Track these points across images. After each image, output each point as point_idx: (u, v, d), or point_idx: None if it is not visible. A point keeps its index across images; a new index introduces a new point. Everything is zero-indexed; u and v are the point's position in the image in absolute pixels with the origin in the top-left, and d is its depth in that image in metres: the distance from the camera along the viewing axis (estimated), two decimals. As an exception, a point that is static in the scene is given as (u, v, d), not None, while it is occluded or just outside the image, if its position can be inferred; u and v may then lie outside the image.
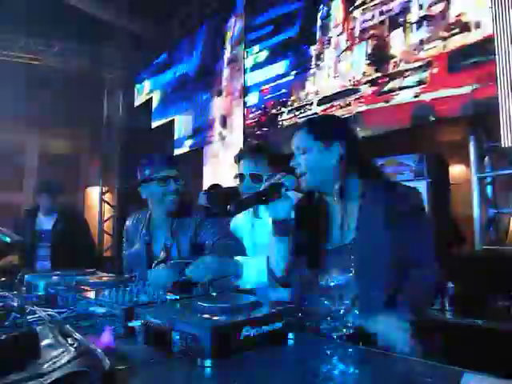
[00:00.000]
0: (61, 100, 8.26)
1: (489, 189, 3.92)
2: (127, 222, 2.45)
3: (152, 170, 2.16)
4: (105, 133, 9.64)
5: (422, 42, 4.00)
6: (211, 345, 1.04)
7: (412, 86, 4.05)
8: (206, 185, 6.14)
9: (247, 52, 6.35)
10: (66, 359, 0.88)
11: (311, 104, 5.21)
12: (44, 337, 0.99)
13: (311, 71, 5.26)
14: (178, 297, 1.47)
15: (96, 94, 9.44)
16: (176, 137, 8.00)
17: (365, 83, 4.54)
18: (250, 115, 6.18)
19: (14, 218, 4.30)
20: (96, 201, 9.65)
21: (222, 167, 6.56)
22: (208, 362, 1.04)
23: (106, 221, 9.53)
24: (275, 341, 1.20)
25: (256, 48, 6.19)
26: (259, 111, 6.03)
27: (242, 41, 6.51)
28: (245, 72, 6.37)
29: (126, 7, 7.64)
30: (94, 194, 9.90)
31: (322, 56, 5.13)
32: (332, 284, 1.55)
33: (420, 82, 3.98)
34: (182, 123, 7.88)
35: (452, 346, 1.52)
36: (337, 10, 4.97)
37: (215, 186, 4.24)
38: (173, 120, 8.13)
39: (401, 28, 4.21)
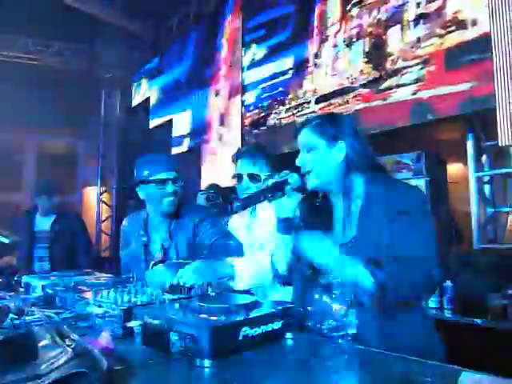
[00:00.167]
0: (59, 100, 8.25)
1: (487, 187, 3.92)
2: (124, 223, 2.44)
3: (150, 172, 2.15)
4: (103, 133, 9.62)
5: (419, 40, 4.00)
6: (210, 345, 1.04)
7: (409, 84, 4.05)
8: (204, 184, 6.13)
9: (245, 50, 6.35)
10: (63, 360, 0.87)
11: (309, 102, 5.21)
12: (42, 338, 0.99)
13: (309, 69, 5.26)
14: (176, 297, 1.47)
15: (94, 93, 9.43)
16: (174, 136, 7.99)
17: (362, 81, 4.53)
18: (248, 114, 6.18)
19: (13, 219, 4.29)
20: (94, 201, 9.64)
21: (220, 166, 6.56)
22: (207, 363, 1.04)
23: (104, 221, 9.52)
24: (274, 341, 1.20)
25: (253, 46, 6.19)
26: (257, 110, 6.03)
27: (239, 39, 6.50)
28: (242, 70, 6.36)
29: (123, 8, 7.63)
30: (92, 194, 9.89)
31: (319, 54, 5.13)
32: (333, 282, 1.56)
33: (417, 80, 3.98)
34: (180, 122, 7.88)
35: (450, 345, 1.52)
36: (334, 8, 4.97)
37: (213, 186, 4.24)
38: (171, 119, 8.13)
39: (398, 26, 4.21)
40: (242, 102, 6.31)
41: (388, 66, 4.28)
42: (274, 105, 5.74)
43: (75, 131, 9.71)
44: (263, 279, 1.98)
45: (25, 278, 1.95)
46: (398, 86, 4.15)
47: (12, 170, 9.22)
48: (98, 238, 9.27)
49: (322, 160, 1.59)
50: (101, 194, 9.56)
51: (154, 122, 8.71)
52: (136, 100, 9.42)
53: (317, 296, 1.59)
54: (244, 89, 6.31)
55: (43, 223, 4.00)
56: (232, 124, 6.55)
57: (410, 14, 4.10)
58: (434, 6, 3.90)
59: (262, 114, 5.92)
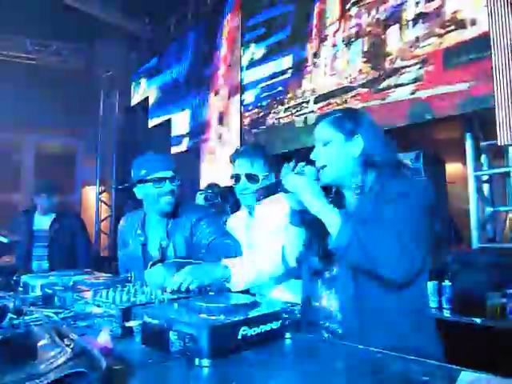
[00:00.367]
0: (57, 100, 8.24)
1: (486, 187, 3.93)
2: (121, 223, 2.44)
3: (147, 171, 2.15)
4: (101, 132, 9.61)
5: (417, 39, 4.00)
6: (209, 345, 1.04)
7: (408, 84, 4.05)
8: (203, 184, 6.13)
9: (244, 50, 6.35)
10: (62, 360, 0.87)
11: (308, 102, 5.21)
12: (41, 337, 0.99)
13: (308, 69, 5.26)
14: (175, 297, 1.47)
15: (92, 93, 9.42)
16: (173, 135, 7.99)
17: (361, 81, 4.53)
18: (247, 113, 6.18)
19: (12, 218, 4.29)
20: (93, 200, 9.63)
21: (219, 166, 6.55)
22: (206, 362, 1.04)
23: (103, 220, 9.51)
24: (273, 340, 1.21)
25: (252, 46, 6.19)
26: (256, 109, 6.03)
27: (238, 38, 6.50)
28: (241, 70, 6.36)
29: (122, 7, 7.62)
30: (91, 193, 9.88)
31: (318, 54, 5.13)
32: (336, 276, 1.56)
33: (416, 80, 3.98)
34: (179, 122, 7.87)
35: (449, 345, 1.53)
36: (333, 7, 4.97)
37: (213, 185, 4.24)
38: (170, 119, 8.12)
39: (397, 25, 4.21)
40: (241, 101, 6.30)
41: (387, 65, 4.28)
42: (273, 104, 5.74)
43: (74, 131, 9.68)
44: (261, 279, 1.98)
45: (24, 278, 1.94)
46: (397, 86, 4.15)
47: (10, 170, 9.20)
48: (97, 237, 9.26)
49: (337, 154, 1.57)
50: (100, 193, 9.55)
51: (152, 122, 8.70)
52: (135, 99, 9.42)
53: (321, 291, 1.60)
54: (243, 88, 6.30)
55: (42, 222, 4.00)
56: (231, 123, 6.55)
57: (409, 13, 4.10)
58: (432, 6, 3.90)
59: (261, 114, 5.92)
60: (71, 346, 0.93)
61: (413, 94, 4.00)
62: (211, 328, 1.06)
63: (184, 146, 7.68)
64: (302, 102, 5.29)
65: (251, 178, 2.13)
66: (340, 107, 4.69)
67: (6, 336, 0.96)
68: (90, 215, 9.26)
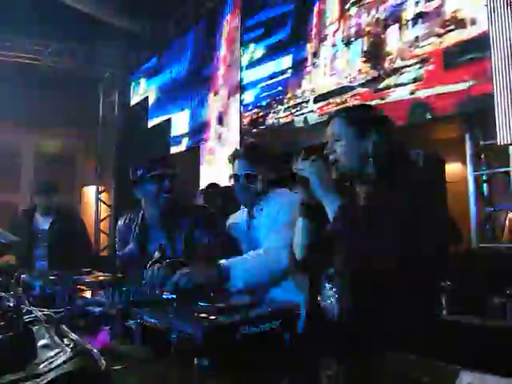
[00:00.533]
0: (57, 99, 8.25)
1: (485, 186, 3.93)
2: (119, 222, 2.43)
3: (146, 170, 2.15)
4: (101, 132, 9.61)
5: (417, 39, 4.00)
6: (208, 345, 1.04)
7: (408, 83, 4.05)
8: (203, 184, 6.13)
9: (243, 50, 6.34)
10: (62, 359, 0.87)
11: (307, 102, 5.21)
12: (40, 337, 0.99)
13: (307, 69, 5.26)
14: (174, 296, 1.47)
15: (92, 93, 9.42)
16: (172, 136, 7.98)
17: (361, 80, 4.54)
18: (247, 113, 6.18)
19: (11, 218, 4.29)
20: (92, 200, 9.64)
21: (218, 166, 6.55)
22: (205, 362, 1.04)
23: (102, 220, 9.52)
24: (272, 340, 1.20)
25: (252, 46, 6.19)
26: (256, 109, 6.03)
27: (238, 39, 6.50)
28: (241, 70, 6.36)
29: (122, 7, 7.62)
30: (90, 193, 9.88)
31: (318, 53, 5.13)
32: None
33: (416, 79, 3.98)
34: (179, 122, 7.87)
35: (449, 345, 1.52)
36: (332, 7, 4.97)
37: (213, 186, 4.24)
38: (169, 119, 8.12)
39: (396, 25, 4.21)
40: (241, 101, 6.31)
41: (386, 65, 4.28)
42: (272, 104, 5.74)
43: (74, 131, 9.70)
44: (261, 279, 1.98)
45: (24, 278, 1.94)
46: (397, 86, 4.16)
47: (11, 170, 9.21)
48: (97, 237, 9.27)
49: (351, 150, 1.57)
50: (99, 193, 9.56)
51: (152, 122, 8.70)
52: (134, 99, 9.42)
53: (325, 287, 1.60)
54: (243, 88, 6.31)
55: (42, 222, 3.99)
56: (231, 123, 6.55)
57: (409, 13, 4.10)
58: (432, 5, 3.90)
59: (261, 114, 5.92)
60: (71, 346, 0.93)
61: (412, 93, 4.00)
62: (210, 328, 1.06)
63: (184, 145, 7.68)
64: (302, 102, 5.29)
65: (250, 177, 2.12)
66: (340, 107, 4.70)
67: (6, 336, 0.96)
68: (89, 215, 9.27)
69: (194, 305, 1.23)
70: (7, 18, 6.67)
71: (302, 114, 5.23)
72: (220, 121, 6.82)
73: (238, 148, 2.31)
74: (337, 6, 4.91)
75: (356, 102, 4.53)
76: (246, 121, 6.20)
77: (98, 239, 9.32)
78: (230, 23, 6.75)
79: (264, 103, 5.88)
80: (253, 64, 6.15)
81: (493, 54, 3.33)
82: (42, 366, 0.87)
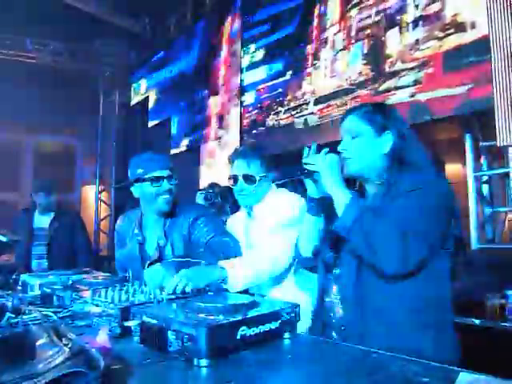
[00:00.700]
0: (57, 99, 8.24)
1: (485, 187, 3.93)
2: (118, 222, 2.43)
3: (145, 170, 2.14)
4: (101, 132, 9.61)
5: (417, 42, 4.00)
6: (207, 345, 1.04)
7: (408, 86, 4.05)
8: (203, 184, 6.13)
9: (244, 51, 6.35)
10: (60, 359, 0.87)
11: (308, 103, 5.21)
12: (39, 337, 0.99)
13: (308, 70, 5.26)
14: (174, 296, 1.47)
15: (92, 92, 9.42)
16: (172, 136, 7.98)
17: (361, 83, 4.54)
18: (247, 114, 6.18)
19: (12, 217, 4.29)
20: (92, 199, 9.63)
21: (218, 166, 6.55)
22: (204, 362, 1.04)
23: (102, 220, 9.52)
24: (272, 340, 1.20)
25: (252, 47, 6.19)
26: (256, 110, 6.03)
27: (238, 40, 6.50)
28: (241, 71, 6.36)
29: (122, 7, 7.63)
30: (90, 192, 9.88)
31: (318, 55, 5.13)
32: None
33: (416, 82, 3.98)
34: (179, 122, 7.87)
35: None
36: (333, 8, 4.97)
37: (213, 185, 4.23)
38: (169, 119, 8.12)
39: (397, 27, 4.21)
40: (241, 102, 6.31)
41: (387, 67, 4.28)
42: (272, 106, 5.74)
43: (74, 130, 9.69)
44: (260, 279, 1.98)
45: (23, 277, 1.95)
46: (397, 88, 4.15)
47: (10, 169, 9.20)
48: (97, 236, 9.27)
49: (366, 148, 1.55)
50: (99, 192, 9.56)
51: (152, 122, 8.70)
52: (135, 99, 9.41)
53: (332, 287, 1.60)
54: (243, 89, 6.31)
55: (42, 221, 4.00)
56: (231, 124, 6.55)
57: (409, 16, 4.10)
58: (433, 9, 3.90)
59: (261, 115, 5.92)
60: (69, 346, 0.93)
61: (412, 96, 4.00)
62: (210, 328, 1.06)
63: (184, 146, 7.68)
64: (302, 104, 5.29)
65: (248, 178, 2.12)
66: (340, 109, 4.70)
67: (5, 335, 0.96)
68: (89, 214, 9.25)
69: (194, 305, 1.23)
70: (8, 18, 6.67)
71: (303, 115, 5.23)
72: (220, 122, 6.82)
73: (238, 148, 2.31)
74: (337, 8, 4.91)
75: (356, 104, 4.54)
76: (246, 122, 6.20)
77: (98, 239, 9.32)
78: (231, 24, 6.75)
79: (264, 105, 5.88)
80: (253, 65, 6.15)
81: (493, 57, 3.33)
82: (40, 366, 0.87)
